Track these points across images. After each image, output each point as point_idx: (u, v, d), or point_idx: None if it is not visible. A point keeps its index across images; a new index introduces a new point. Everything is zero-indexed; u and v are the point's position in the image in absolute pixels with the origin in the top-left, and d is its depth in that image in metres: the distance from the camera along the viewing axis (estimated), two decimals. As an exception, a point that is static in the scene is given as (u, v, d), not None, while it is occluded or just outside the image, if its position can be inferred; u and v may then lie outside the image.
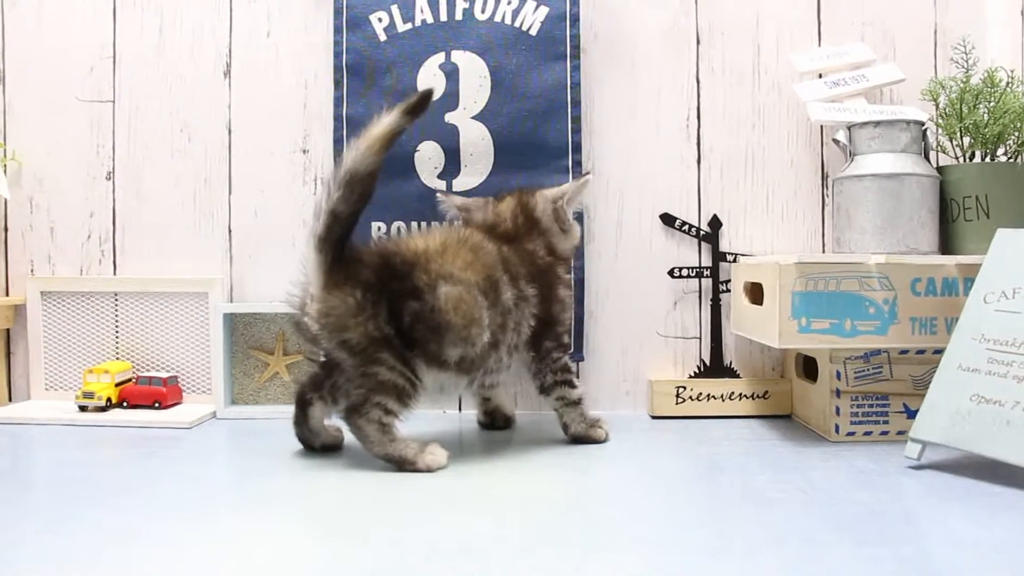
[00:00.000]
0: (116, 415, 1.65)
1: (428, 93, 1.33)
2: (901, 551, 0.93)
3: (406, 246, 1.35)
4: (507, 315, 1.36)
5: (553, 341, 1.45)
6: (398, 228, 1.69)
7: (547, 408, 1.49)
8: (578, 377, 1.50)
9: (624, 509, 1.10)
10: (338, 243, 1.30)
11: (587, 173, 1.50)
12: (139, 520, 1.05)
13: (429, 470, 1.27)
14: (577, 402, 1.47)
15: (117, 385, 1.70)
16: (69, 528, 1.01)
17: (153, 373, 1.74)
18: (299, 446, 1.43)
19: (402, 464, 1.28)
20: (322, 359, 1.42)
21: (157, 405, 1.69)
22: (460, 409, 1.75)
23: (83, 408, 1.67)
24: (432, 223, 1.68)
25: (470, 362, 1.34)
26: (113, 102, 1.79)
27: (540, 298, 1.42)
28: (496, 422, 1.60)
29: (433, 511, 1.09)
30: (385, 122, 1.29)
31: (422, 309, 1.29)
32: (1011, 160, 1.54)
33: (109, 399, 1.68)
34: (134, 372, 1.76)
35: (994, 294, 1.30)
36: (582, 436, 1.47)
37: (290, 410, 1.44)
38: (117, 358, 1.79)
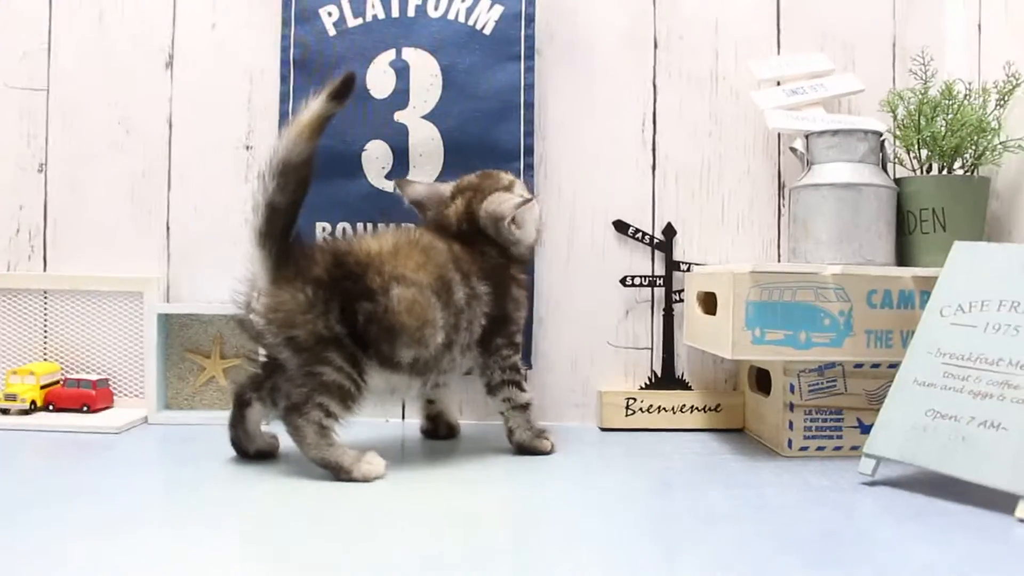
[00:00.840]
0: (41, 419, 1.57)
1: (351, 76, 1.28)
2: (857, 573, 0.89)
3: (359, 247, 1.31)
4: (460, 314, 1.33)
5: (504, 338, 1.41)
6: (343, 229, 1.63)
7: (493, 417, 1.45)
8: (526, 379, 1.45)
9: (567, 528, 1.05)
10: (281, 237, 1.26)
11: (531, 198, 1.44)
12: (53, 537, 0.97)
13: (366, 480, 1.22)
14: (524, 407, 1.43)
15: (43, 387, 1.62)
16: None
17: (82, 375, 1.66)
18: (232, 454, 1.36)
19: (338, 471, 1.22)
20: (263, 360, 1.36)
21: (85, 409, 1.62)
22: (403, 418, 1.69)
23: (4, 411, 1.59)
24: (379, 224, 1.62)
25: (424, 363, 1.31)
26: (47, 91, 1.72)
27: (493, 296, 1.38)
28: (439, 430, 1.55)
29: (368, 527, 1.04)
30: (312, 108, 1.25)
31: (375, 310, 1.26)
32: (968, 173, 1.52)
33: (34, 402, 1.60)
34: (62, 374, 1.68)
35: (951, 307, 1.27)
36: (527, 445, 1.42)
37: (226, 416, 1.37)
38: (45, 359, 1.71)
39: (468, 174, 1.50)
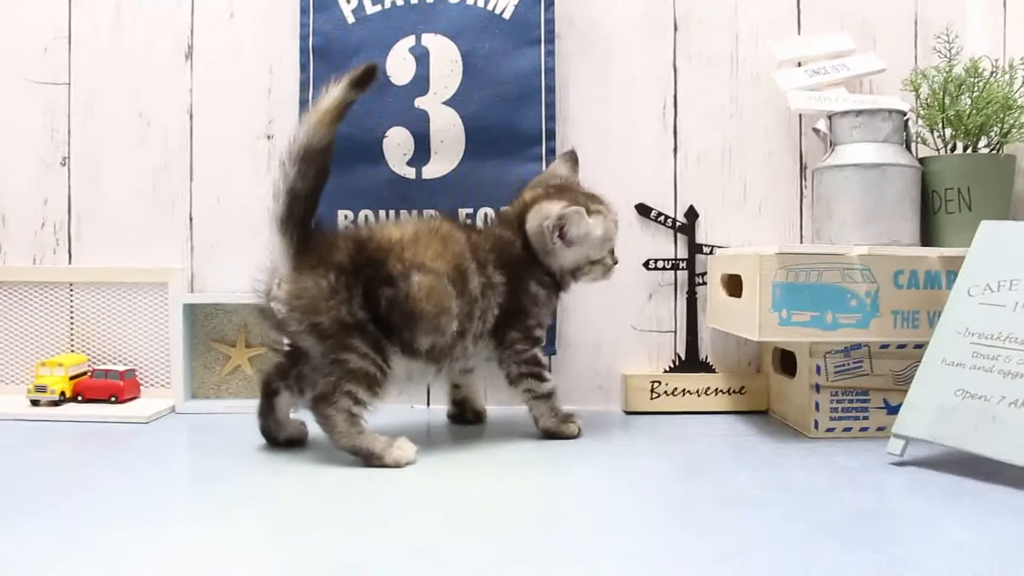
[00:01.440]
0: (70, 410, 1.59)
1: (373, 66, 1.29)
2: (891, 552, 0.89)
3: (380, 233, 1.32)
4: (473, 304, 1.33)
5: (519, 332, 1.40)
6: (365, 216, 1.63)
7: (518, 401, 1.44)
8: (550, 371, 1.44)
9: (594, 513, 1.05)
10: (303, 223, 1.27)
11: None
12: (86, 527, 0.98)
13: (397, 465, 1.22)
14: (547, 396, 1.43)
15: (71, 379, 1.64)
16: (8, 536, 0.95)
17: (109, 366, 1.67)
18: (260, 442, 1.37)
19: (369, 458, 1.23)
20: (286, 348, 1.37)
21: (113, 399, 1.63)
22: (428, 404, 1.70)
23: (35, 403, 1.60)
24: (400, 211, 1.63)
25: (439, 351, 1.31)
26: (68, 85, 1.72)
27: (508, 287, 1.38)
28: (465, 415, 1.56)
29: (399, 512, 1.04)
30: (332, 95, 1.26)
31: (396, 296, 1.26)
32: (993, 152, 1.51)
33: (63, 393, 1.61)
34: (89, 365, 1.69)
35: (978, 287, 1.27)
36: (553, 431, 1.43)
37: (252, 404, 1.38)
38: (72, 351, 1.72)
39: (489, 159, 1.53)
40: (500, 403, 1.64)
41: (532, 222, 1.40)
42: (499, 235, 1.42)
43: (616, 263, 1.47)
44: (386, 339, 1.28)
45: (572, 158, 1.52)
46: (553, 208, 1.38)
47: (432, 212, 1.61)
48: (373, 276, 1.27)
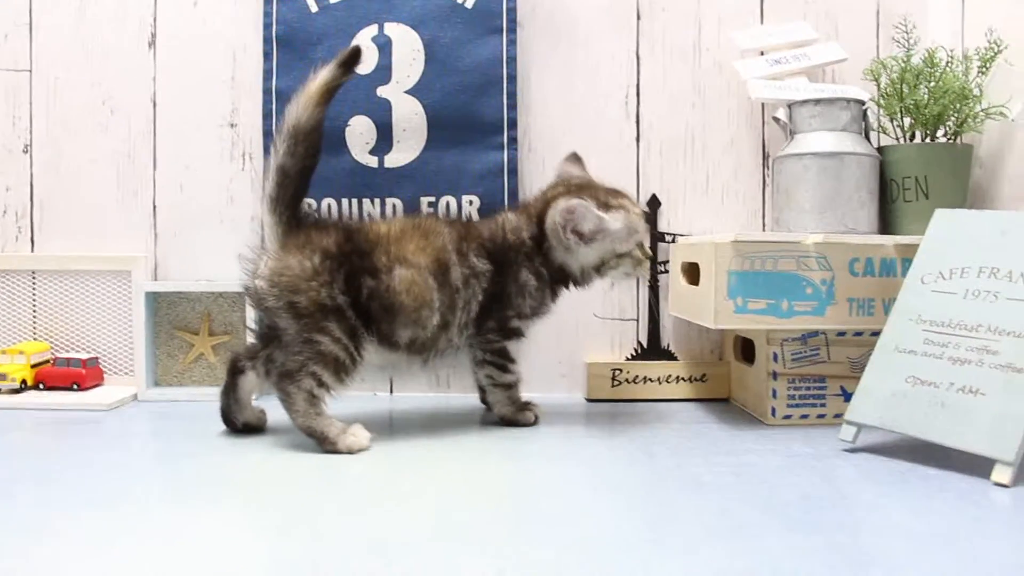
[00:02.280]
0: (31, 398, 1.59)
1: (357, 48, 1.34)
2: (834, 538, 0.90)
3: (370, 227, 1.35)
4: (455, 294, 1.34)
5: (495, 322, 1.40)
6: (328, 205, 1.63)
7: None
8: (516, 363, 1.44)
9: (549, 498, 1.06)
10: (292, 203, 1.31)
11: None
12: (44, 511, 0.99)
13: (350, 451, 1.23)
14: (507, 386, 1.44)
15: (33, 366, 1.63)
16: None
17: (72, 354, 1.67)
18: (220, 429, 1.37)
19: (323, 441, 1.24)
20: (261, 330, 1.38)
21: (76, 387, 1.63)
22: (391, 391, 1.70)
23: (-5, 390, 1.60)
24: (363, 200, 1.63)
25: (421, 344, 1.33)
26: (30, 71, 1.71)
27: (494, 273, 1.37)
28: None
29: (353, 499, 1.05)
30: (321, 76, 1.31)
31: (378, 287, 1.28)
32: (950, 141, 1.52)
33: (24, 381, 1.61)
34: (52, 353, 1.69)
35: (931, 275, 1.28)
36: (509, 418, 1.44)
37: (216, 392, 1.39)
38: (35, 339, 1.71)
39: (452, 148, 1.55)
40: (464, 390, 1.64)
41: (549, 220, 1.37)
42: (494, 222, 1.41)
43: (649, 257, 1.41)
44: (364, 328, 1.29)
45: (576, 158, 1.51)
46: (563, 204, 1.35)
47: (395, 201, 1.62)
48: (358, 265, 1.29)
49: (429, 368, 1.40)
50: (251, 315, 1.60)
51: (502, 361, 1.43)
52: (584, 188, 1.41)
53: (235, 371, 1.36)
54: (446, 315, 1.33)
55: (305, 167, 1.30)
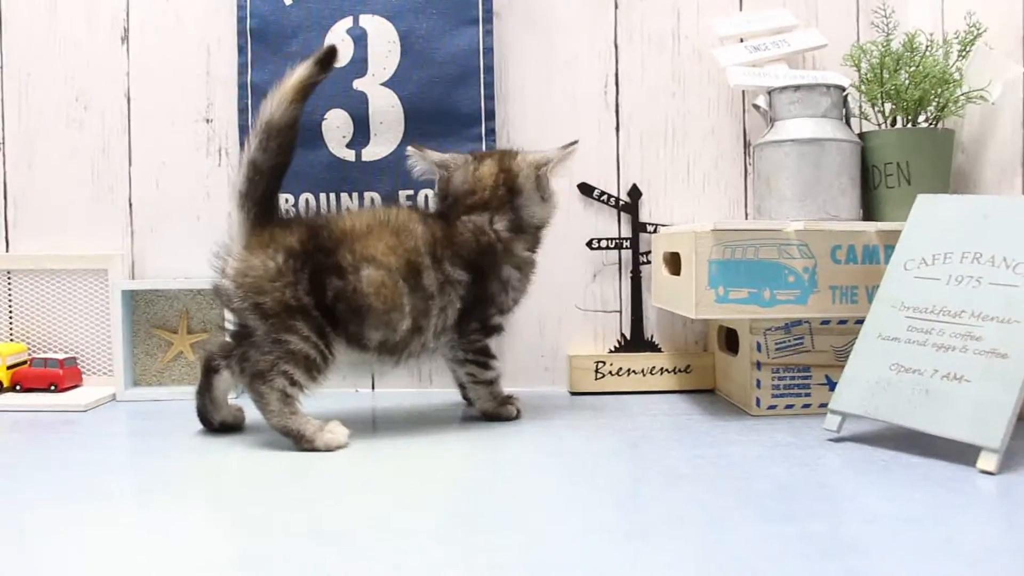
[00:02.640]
0: (7, 399, 1.57)
1: (333, 48, 1.33)
2: (809, 527, 0.89)
3: (334, 223, 1.32)
4: (430, 300, 1.31)
5: (479, 322, 1.39)
6: (306, 200, 1.62)
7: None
8: (496, 358, 1.43)
9: (521, 489, 1.05)
10: (262, 200, 1.28)
11: (575, 141, 1.41)
12: (18, 508, 0.98)
13: (328, 449, 1.22)
14: (488, 383, 1.42)
15: (9, 368, 1.61)
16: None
17: (49, 355, 1.65)
18: (198, 428, 1.36)
19: (300, 440, 1.22)
20: (233, 328, 1.36)
21: (53, 388, 1.61)
22: (373, 387, 1.68)
23: (-29, 392, 1.58)
24: (341, 194, 1.61)
25: (392, 346, 1.30)
26: (1, 67, 1.69)
27: (473, 280, 1.35)
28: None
29: (332, 495, 1.03)
30: (298, 73, 1.29)
31: (344, 288, 1.26)
32: (932, 126, 1.51)
33: (0, 383, 1.59)
34: (29, 354, 1.67)
35: (914, 261, 1.27)
36: (491, 413, 1.42)
37: (194, 391, 1.37)
38: (11, 339, 1.69)
39: (429, 140, 1.51)
40: (445, 387, 1.62)
41: (527, 171, 1.40)
42: (466, 224, 1.37)
43: None
44: (331, 328, 1.27)
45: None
46: (540, 155, 1.40)
47: (373, 195, 1.60)
48: (323, 264, 1.26)
49: (401, 368, 1.38)
50: (228, 313, 1.58)
51: (484, 359, 1.42)
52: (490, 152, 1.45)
53: (209, 370, 1.34)
54: (419, 320, 1.31)
55: (277, 164, 1.28)
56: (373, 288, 1.26)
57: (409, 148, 1.43)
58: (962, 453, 1.12)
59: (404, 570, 0.79)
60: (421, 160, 1.42)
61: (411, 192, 1.61)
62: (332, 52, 1.31)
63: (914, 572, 0.77)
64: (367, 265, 1.27)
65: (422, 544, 0.86)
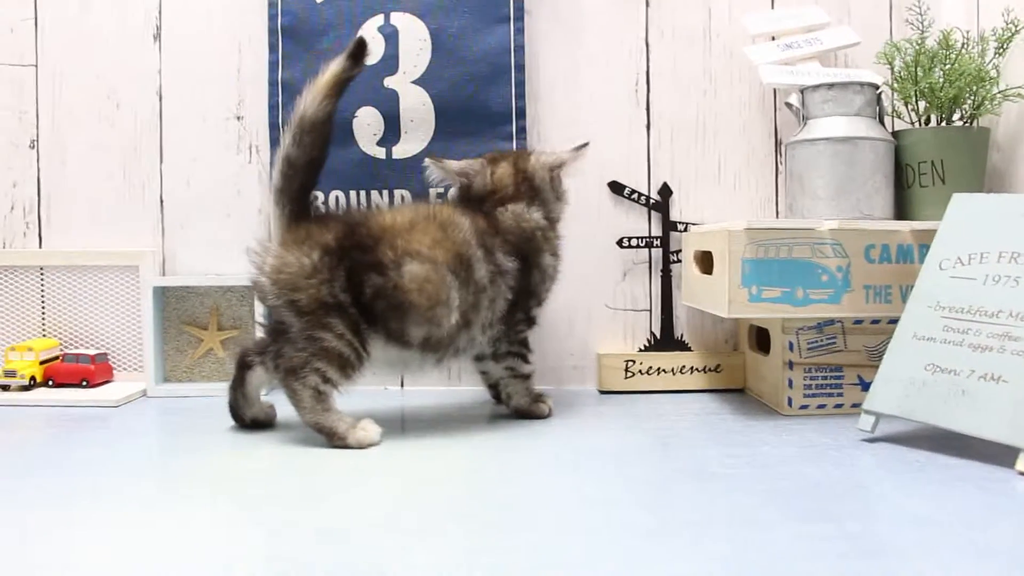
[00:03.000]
0: (40, 394, 1.58)
1: (361, 40, 1.32)
2: (846, 527, 0.88)
3: (373, 219, 1.31)
4: (480, 293, 1.31)
5: (523, 313, 1.41)
6: (336, 197, 1.62)
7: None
8: (531, 352, 1.45)
9: (556, 488, 1.05)
10: (297, 196, 1.29)
11: (586, 143, 1.44)
12: (51, 504, 0.98)
13: (360, 446, 1.22)
14: (525, 377, 1.43)
15: (42, 363, 1.62)
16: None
17: (81, 350, 1.66)
18: (229, 424, 1.36)
19: (332, 437, 1.23)
20: (269, 325, 1.36)
21: (85, 383, 1.62)
22: (402, 385, 1.68)
23: (4, 387, 1.59)
24: (371, 191, 1.61)
25: (436, 342, 1.30)
26: (35, 66, 1.70)
27: (519, 269, 1.35)
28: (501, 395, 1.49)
29: (364, 493, 1.03)
30: (331, 68, 1.30)
31: (384, 285, 1.25)
32: (967, 124, 1.50)
33: (33, 378, 1.60)
34: (61, 349, 1.68)
35: (949, 260, 1.26)
36: (524, 409, 1.42)
37: (224, 387, 1.38)
38: (43, 335, 1.71)
39: (459, 138, 1.54)
40: (475, 384, 1.62)
41: (542, 172, 1.42)
42: (504, 213, 1.38)
43: None
44: (368, 325, 1.27)
45: None
46: (553, 157, 1.43)
47: (404, 193, 1.61)
48: (360, 261, 1.26)
49: (442, 367, 1.37)
50: (260, 309, 1.59)
51: (525, 351, 1.43)
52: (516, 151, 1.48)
53: (243, 366, 1.34)
54: (468, 314, 1.30)
55: (312, 159, 1.28)
56: (416, 284, 1.25)
57: (426, 160, 1.43)
58: (1000, 454, 1.11)
59: (439, 570, 0.78)
60: (439, 170, 1.43)
61: (441, 189, 1.60)
62: (362, 44, 1.31)
63: (955, 574, 0.76)
64: (410, 260, 1.25)
65: (453, 541, 0.86)
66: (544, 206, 1.42)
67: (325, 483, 1.07)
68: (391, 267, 1.25)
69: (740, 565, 0.79)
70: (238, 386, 1.35)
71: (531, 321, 1.43)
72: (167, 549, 0.85)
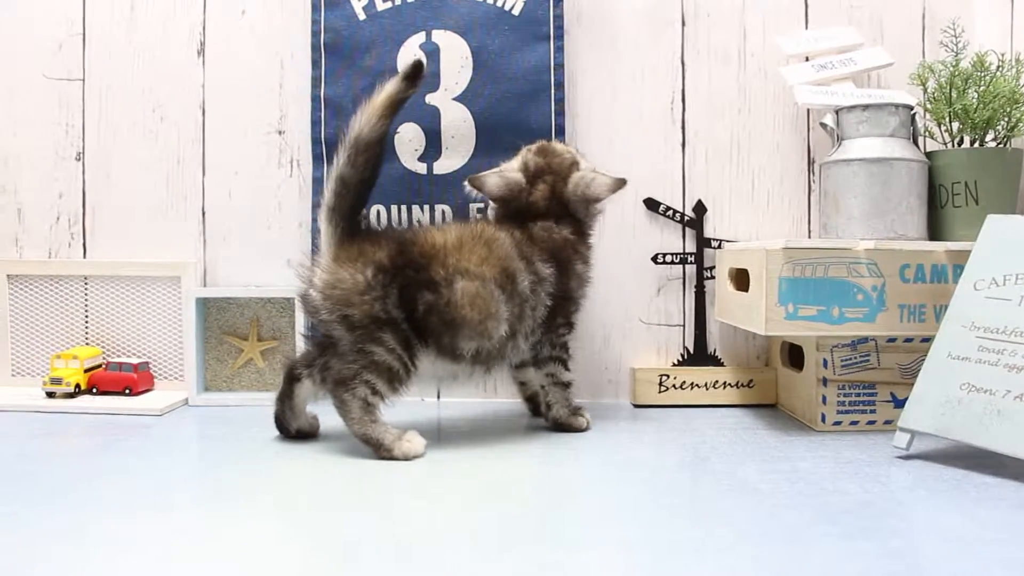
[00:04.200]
0: (84, 402, 1.61)
1: (419, 62, 1.34)
2: (890, 544, 0.90)
3: (424, 238, 1.34)
4: (524, 304, 1.34)
5: (564, 317, 1.44)
6: (378, 212, 1.65)
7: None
8: (571, 359, 1.48)
9: (601, 502, 1.07)
10: (349, 214, 1.32)
11: (624, 180, 1.45)
12: (94, 514, 1.01)
13: (406, 458, 1.24)
14: (566, 384, 1.46)
15: (86, 371, 1.66)
16: (14, 525, 0.97)
17: (123, 359, 1.69)
18: (273, 434, 1.39)
19: (379, 448, 1.25)
20: (317, 338, 1.39)
21: (127, 392, 1.65)
22: (439, 397, 1.71)
23: (50, 395, 1.62)
24: (412, 207, 1.64)
25: (487, 354, 1.33)
26: (83, 80, 1.74)
27: (556, 276, 1.39)
28: (540, 407, 1.51)
29: (407, 504, 1.06)
30: (387, 89, 1.33)
31: (437, 302, 1.28)
32: (1001, 146, 1.52)
33: (78, 385, 1.63)
34: (104, 358, 1.71)
35: (984, 281, 1.28)
36: (563, 422, 1.45)
37: (264, 397, 1.40)
38: (87, 343, 1.74)
39: (500, 154, 1.54)
40: (511, 396, 1.64)
41: (576, 196, 1.45)
42: (533, 227, 1.42)
43: None
44: (418, 340, 1.30)
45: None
46: (591, 185, 1.45)
47: (444, 208, 1.63)
48: (413, 279, 1.28)
49: (492, 376, 1.41)
50: (300, 321, 1.62)
51: (566, 356, 1.46)
52: (555, 157, 1.47)
53: (291, 378, 1.37)
54: (514, 324, 1.33)
55: (364, 179, 1.31)
56: (468, 299, 1.28)
57: (465, 184, 1.46)
58: (1036, 474, 1.13)
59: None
60: (478, 191, 1.46)
61: (481, 205, 1.63)
62: (418, 67, 1.33)
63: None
64: (460, 278, 1.28)
65: (500, 550, 0.88)
66: (574, 224, 1.45)
67: (370, 494, 1.09)
68: (443, 285, 1.28)
69: (791, 580, 0.81)
70: (286, 398, 1.38)
71: (571, 326, 1.46)
72: (209, 559, 0.87)
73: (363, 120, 1.30)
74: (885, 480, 1.15)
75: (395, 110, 1.33)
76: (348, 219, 1.31)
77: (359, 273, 1.28)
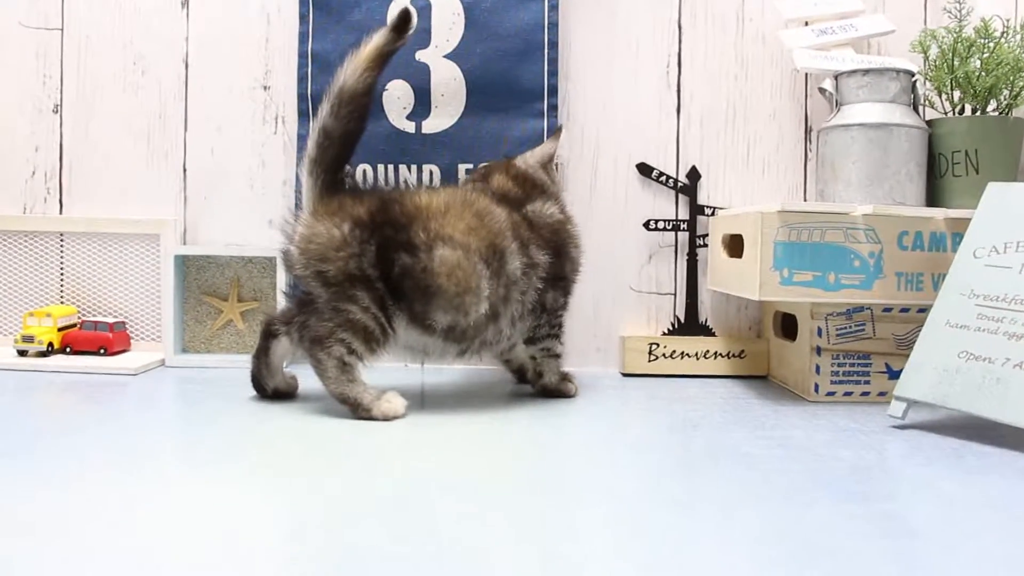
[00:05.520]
0: (58, 361, 1.56)
1: (406, 11, 1.30)
2: (884, 508, 0.87)
3: (409, 198, 1.29)
4: (512, 286, 1.29)
5: (563, 298, 1.40)
6: (363, 171, 1.60)
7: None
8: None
9: (590, 463, 1.04)
10: (331, 167, 1.28)
11: (560, 127, 1.46)
12: (66, 467, 0.97)
13: (385, 418, 1.21)
14: (558, 356, 1.43)
15: (60, 330, 1.61)
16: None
17: (99, 318, 1.64)
18: (249, 395, 1.35)
19: (356, 408, 1.22)
20: (296, 295, 1.36)
21: (102, 351, 1.61)
22: (423, 364, 1.67)
23: (22, 353, 1.58)
24: (399, 165, 1.60)
25: (461, 331, 1.27)
26: (61, 30, 1.69)
27: (552, 261, 1.34)
28: (526, 375, 1.48)
29: (386, 464, 1.02)
30: (374, 40, 1.30)
31: (413, 266, 1.23)
32: (1002, 114, 1.48)
33: (51, 344, 1.59)
34: (79, 317, 1.67)
35: (984, 249, 1.25)
36: (553, 387, 1.42)
37: (243, 359, 1.36)
38: (62, 302, 1.69)
39: (490, 114, 1.54)
40: (494, 363, 1.61)
41: (535, 169, 1.45)
42: (528, 211, 1.37)
43: None
44: (394, 303, 1.25)
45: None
46: (539, 151, 1.48)
47: (432, 167, 1.59)
48: (391, 238, 1.23)
49: (465, 360, 1.35)
50: (282, 280, 1.58)
51: (561, 332, 1.43)
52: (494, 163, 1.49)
53: (268, 335, 1.33)
54: (497, 306, 1.27)
55: (348, 131, 1.27)
56: (446, 268, 1.22)
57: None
58: (1036, 443, 1.10)
59: (464, 543, 0.78)
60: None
61: (470, 165, 1.59)
62: (406, 16, 1.29)
63: (1003, 554, 0.76)
64: (442, 244, 1.23)
65: (488, 511, 0.85)
66: (555, 200, 1.42)
67: (350, 452, 1.06)
68: (422, 249, 1.23)
69: (792, 540, 0.78)
70: (262, 355, 1.34)
71: (565, 306, 1.43)
72: (184, 516, 0.84)
73: (349, 71, 1.26)
74: (880, 448, 1.12)
75: (383, 62, 1.29)
76: (330, 172, 1.27)
77: (336, 228, 1.23)
